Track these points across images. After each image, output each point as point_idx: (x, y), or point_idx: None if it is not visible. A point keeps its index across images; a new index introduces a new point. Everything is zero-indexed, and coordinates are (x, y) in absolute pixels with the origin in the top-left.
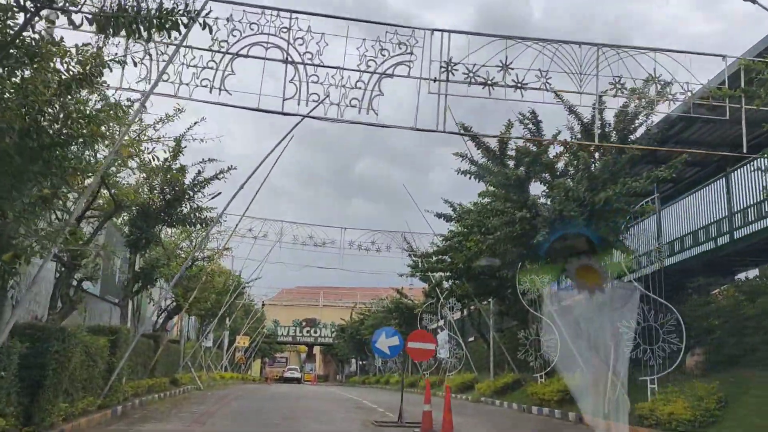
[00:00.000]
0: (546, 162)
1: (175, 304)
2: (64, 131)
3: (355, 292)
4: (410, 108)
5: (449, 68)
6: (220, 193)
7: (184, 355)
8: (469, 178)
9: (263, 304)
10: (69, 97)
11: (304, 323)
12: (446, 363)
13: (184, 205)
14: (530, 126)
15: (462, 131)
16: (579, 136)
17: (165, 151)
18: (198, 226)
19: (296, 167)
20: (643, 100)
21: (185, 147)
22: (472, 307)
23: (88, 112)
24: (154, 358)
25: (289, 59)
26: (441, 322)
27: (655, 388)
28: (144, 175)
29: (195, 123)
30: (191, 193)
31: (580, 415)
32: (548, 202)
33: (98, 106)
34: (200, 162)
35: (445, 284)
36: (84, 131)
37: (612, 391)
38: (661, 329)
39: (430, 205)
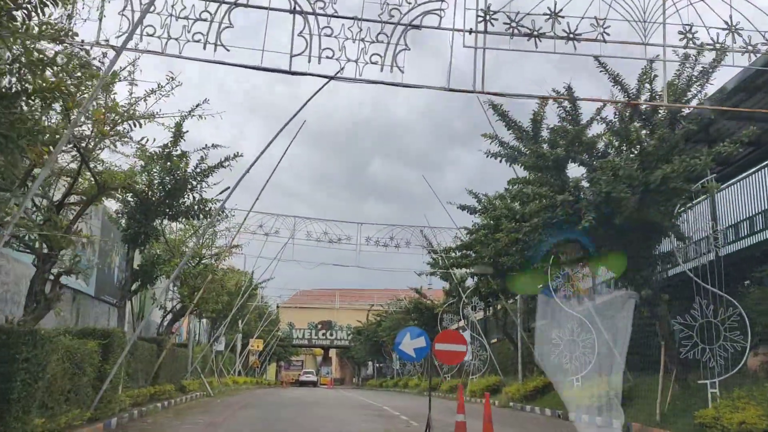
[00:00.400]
0: (587, 141)
1: (180, 305)
2: (12, 80)
3: (372, 294)
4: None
5: (487, 17)
6: (228, 188)
7: (193, 360)
8: (500, 161)
9: (278, 307)
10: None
11: (319, 326)
12: (469, 365)
13: (186, 195)
14: (565, 104)
15: (493, 110)
16: (623, 112)
17: (162, 128)
18: (202, 217)
19: (309, 170)
20: (714, 54)
21: (187, 132)
22: (498, 306)
23: (40, 57)
24: (156, 364)
25: (298, 8)
26: (462, 323)
27: (717, 392)
28: (141, 161)
29: (197, 105)
30: (194, 183)
31: (629, 423)
32: (587, 186)
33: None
34: (203, 148)
35: (469, 281)
36: (40, 83)
37: (663, 395)
38: (722, 326)
39: (438, 206)
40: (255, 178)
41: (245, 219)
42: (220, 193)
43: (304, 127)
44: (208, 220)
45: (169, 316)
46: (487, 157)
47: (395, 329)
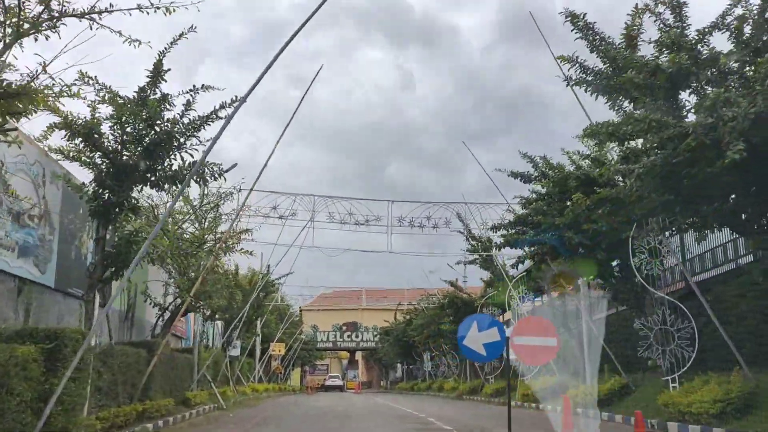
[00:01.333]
0: (709, 56)
1: (180, 301)
2: None
3: (399, 293)
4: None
5: None
6: (235, 164)
7: (199, 368)
8: (585, 90)
9: (300, 310)
10: None
11: (344, 327)
12: (518, 365)
13: (172, 155)
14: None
15: (571, 23)
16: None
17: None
18: (197, 184)
19: (326, 173)
20: None
21: (168, 70)
22: (554, 293)
23: None
24: (146, 374)
25: None
26: (504, 316)
27: None
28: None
29: (181, 35)
30: (181, 139)
31: None
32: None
33: None
34: (190, 90)
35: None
36: None
37: None
38: None
39: (457, 207)
40: (268, 177)
41: (249, 194)
42: (228, 170)
43: (319, 130)
44: (204, 186)
45: (167, 315)
46: (568, 86)
47: (428, 327)
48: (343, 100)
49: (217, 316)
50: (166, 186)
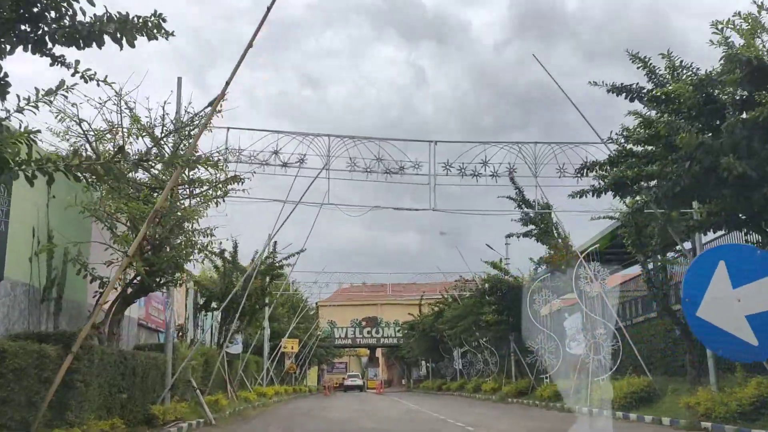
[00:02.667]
0: None
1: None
2: None
3: (427, 286)
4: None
5: None
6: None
7: (176, 370)
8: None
9: (317, 305)
10: None
11: (364, 323)
12: (590, 361)
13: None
14: None
15: None
16: None
17: None
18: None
19: (344, 189)
20: None
21: None
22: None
23: None
24: (54, 384)
25: None
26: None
27: None
28: None
29: None
30: None
31: None
32: None
33: None
34: None
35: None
36: None
37: None
38: None
39: (478, 201)
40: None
41: (225, 88)
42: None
43: (334, 128)
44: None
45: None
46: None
47: (463, 319)
48: (356, 100)
49: (213, 305)
50: (59, 49)
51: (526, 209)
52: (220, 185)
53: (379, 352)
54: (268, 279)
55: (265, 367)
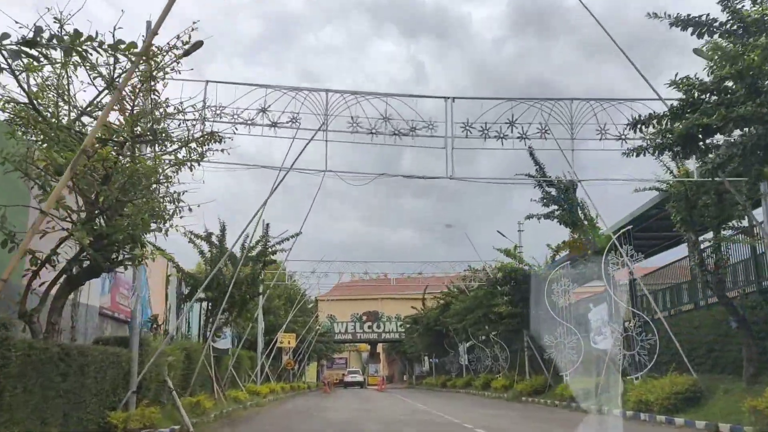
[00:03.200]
0: None
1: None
2: None
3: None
4: (463, 62)
5: None
6: None
7: (141, 370)
8: None
9: (316, 300)
10: None
11: (364, 317)
12: (622, 357)
13: None
14: None
15: None
16: None
17: None
18: None
19: (341, 163)
20: None
21: None
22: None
23: None
24: None
25: None
26: (583, 289)
27: None
28: None
29: None
30: None
31: None
32: None
33: None
34: None
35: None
36: None
37: None
38: None
39: (480, 196)
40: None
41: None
42: None
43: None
44: None
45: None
46: None
47: (472, 311)
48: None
49: (201, 295)
50: None
51: (547, 187)
52: (196, 144)
53: (379, 348)
54: (260, 266)
55: (259, 364)
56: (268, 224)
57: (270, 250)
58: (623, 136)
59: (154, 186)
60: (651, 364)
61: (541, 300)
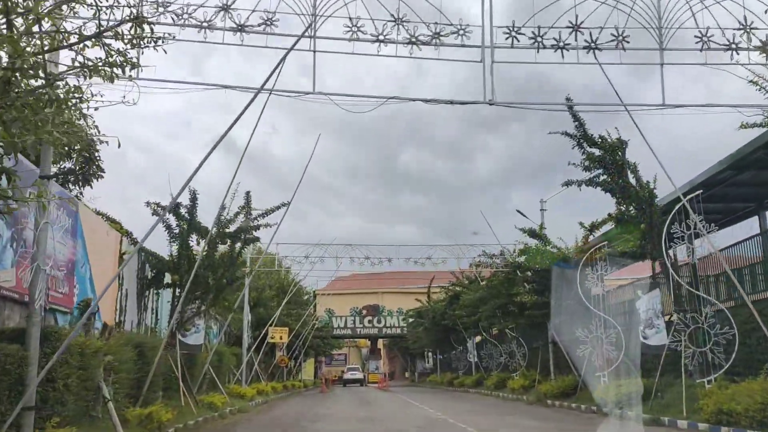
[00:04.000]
0: None
1: None
2: None
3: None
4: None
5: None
6: None
7: (42, 373)
8: None
9: (314, 293)
10: None
11: (364, 311)
12: (691, 355)
13: None
14: None
15: None
16: None
17: None
18: None
19: (339, 162)
20: None
21: None
22: None
23: None
24: None
25: None
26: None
27: None
28: None
29: None
30: None
31: None
32: None
33: None
34: None
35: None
36: None
37: None
38: None
39: (479, 191)
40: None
41: None
42: None
43: (331, 118)
44: None
45: None
46: None
47: (487, 302)
48: (354, 89)
49: (169, 280)
50: None
51: (590, 147)
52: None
53: (380, 344)
54: (239, 245)
55: (245, 362)
56: (249, 192)
57: (252, 224)
58: (733, 45)
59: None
60: (728, 364)
61: (572, 288)
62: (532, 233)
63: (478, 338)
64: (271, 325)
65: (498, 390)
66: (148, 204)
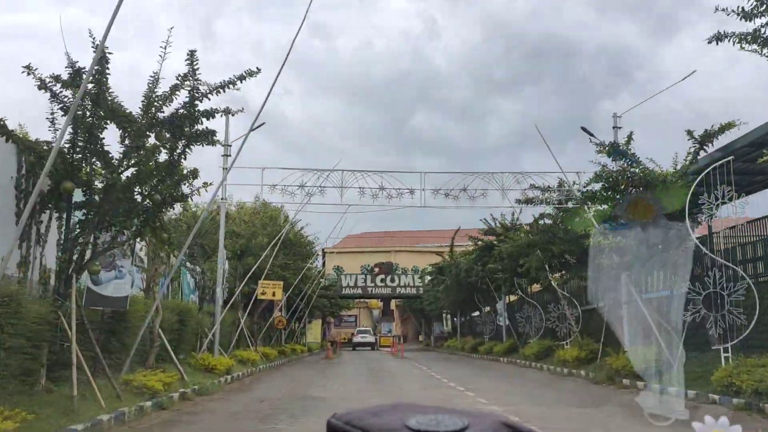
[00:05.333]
0: None
1: None
2: None
3: (446, 235)
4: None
5: None
6: None
7: None
8: None
9: (323, 251)
10: None
11: (376, 269)
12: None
13: None
14: None
15: None
16: None
17: None
18: None
19: (352, 125)
20: None
21: None
22: None
23: None
24: None
25: None
26: None
27: None
28: None
29: None
30: None
31: None
32: None
33: None
34: None
35: None
36: None
37: None
38: None
39: (490, 155)
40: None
41: None
42: None
43: (344, 80)
44: None
45: None
46: None
47: (537, 247)
48: (366, 51)
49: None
50: None
51: None
52: None
53: (393, 305)
54: (182, 144)
55: (217, 323)
56: (193, 51)
57: (197, 99)
58: None
59: None
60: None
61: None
62: (614, 149)
63: (514, 298)
64: (262, 279)
65: (540, 361)
66: (29, 71)
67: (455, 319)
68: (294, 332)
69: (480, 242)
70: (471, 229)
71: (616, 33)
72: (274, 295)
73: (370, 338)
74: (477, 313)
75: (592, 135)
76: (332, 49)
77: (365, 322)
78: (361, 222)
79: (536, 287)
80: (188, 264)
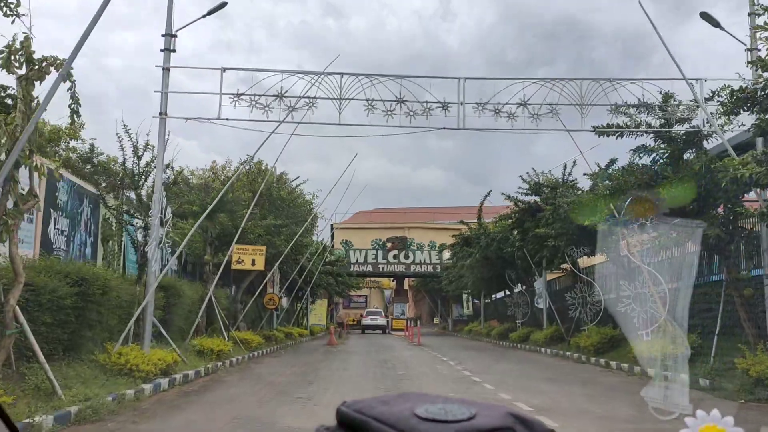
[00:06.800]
0: None
1: None
2: None
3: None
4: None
5: None
6: None
7: None
8: None
9: (332, 227)
10: None
11: (388, 244)
12: None
13: None
14: None
15: None
16: None
17: None
18: None
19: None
20: None
21: None
22: None
23: None
24: None
25: None
26: None
27: None
28: None
29: None
30: None
31: None
32: None
33: None
34: None
35: None
36: None
37: None
38: None
39: (503, 134)
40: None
41: None
42: None
43: (354, 60)
44: None
45: None
46: None
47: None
48: (379, 30)
49: None
50: None
51: None
52: None
53: (406, 284)
54: None
55: (146, 301)
56: None
57: None
58: None
59: None
60: None
61: None
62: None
63: (558, 274)
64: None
65: (601, 355)
66: None
67: (476, 301)
68: (293, 314)
69: (521, 204)
70: (499, 206)
71: (631, 16)
72: (253, 264)
73: (381, 321)
74: (502, 294)
75: (718, 24)
76: (344, 28)
77: (376, 304)
78: (374, 194)
79: (587, 261)
80: (126, 216)
